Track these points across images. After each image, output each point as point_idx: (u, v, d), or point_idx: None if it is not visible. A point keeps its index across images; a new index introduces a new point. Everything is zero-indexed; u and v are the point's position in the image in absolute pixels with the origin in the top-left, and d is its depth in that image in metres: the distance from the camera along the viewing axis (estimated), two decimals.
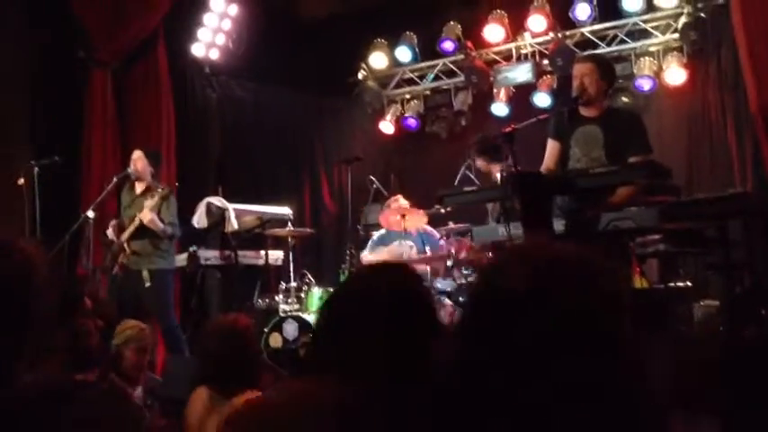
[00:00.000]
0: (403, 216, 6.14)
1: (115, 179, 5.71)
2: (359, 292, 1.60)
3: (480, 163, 5.62)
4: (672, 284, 5.14)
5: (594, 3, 7.06)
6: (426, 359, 1.52)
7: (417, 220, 6.25)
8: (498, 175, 5.27)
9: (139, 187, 5.64)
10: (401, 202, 6.43)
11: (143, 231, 5.43)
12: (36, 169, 5.20)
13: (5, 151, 5.96)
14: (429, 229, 6.44)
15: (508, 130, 3.55)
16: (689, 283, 5.27)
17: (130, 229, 5.45)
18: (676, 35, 6.83)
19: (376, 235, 6.67)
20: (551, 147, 4.22)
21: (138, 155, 5.65)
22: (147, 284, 5.40)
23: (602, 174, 3.40)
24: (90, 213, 5.43)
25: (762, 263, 4.30)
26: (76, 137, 6.53)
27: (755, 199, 4.32)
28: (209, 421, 2.60)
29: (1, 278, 1.45)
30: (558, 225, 3.57)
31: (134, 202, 5.59)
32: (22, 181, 5.13)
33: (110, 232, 5.54)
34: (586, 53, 6.80)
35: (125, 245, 5.45)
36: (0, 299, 1.44)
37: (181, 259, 6.09)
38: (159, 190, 5.47)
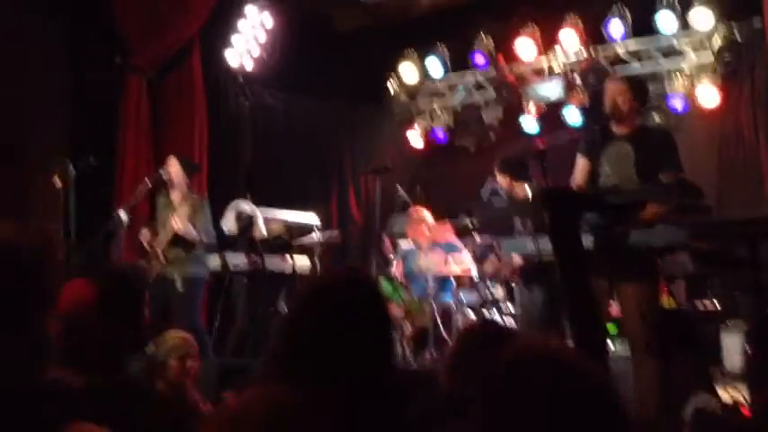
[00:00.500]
0: (427, 227, 6.19)
1: (147, 180, 5.79)
2: (315, 298, 1.62)
3: (501, 180, 5.58)
4: (700, 304, 5.11)
5: (628, 20, 7.05)
6: (383, 369, 1.56)
7: (442, 232, 6.29)
8: (520, 194, 5.28)
9: (175, 194, 5.71)
10: (423, 213, 6.46)
11: (177, 239, 5.51)
12: (72, 171, 5.29)
13: (43, 153, 6.10)
14: (454, 240, 6.45)
15: (540, 145, 3.57)
16: (717, 304, 5.23)
17: (164, 237, 5.53)
18: (710, 55, 6.79)
19: (403, 245, 6.69)
20: (581, 164, 4.22)
21: (172, 161, 5.72)
22: (180, 290, 5.46)
23: (633, 191, 3.40)
24: (122, 214, 5.50)
25: None
26: (112, 142, 6.66)
27: None
28: None
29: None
30: (587, 241, 3.57)
31: (168, 209, 5.66)
32: (58, 182, 5.23)
33: (142, 238, 5.61)
34: (620, 71, 6.80)
35: (159, 253, 5.53)
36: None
37: (215, 263, 6.15)
38: (194, 198, 5.55)
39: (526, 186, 5.18)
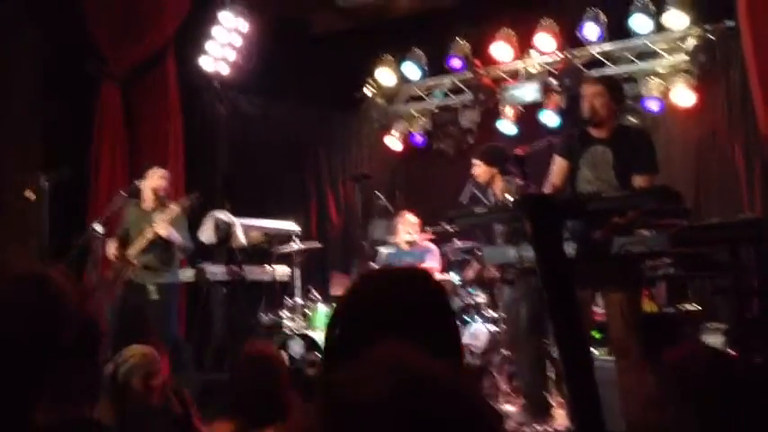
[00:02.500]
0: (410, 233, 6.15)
1: (122, 192, 5.71)
2: (375, 303, 1.38)
3: (480, 171, 5.33)
4: (680, 307, 5.13)
5: (603, 23, 7.07)
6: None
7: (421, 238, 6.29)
8: (499, 189, 5.24)
9: (150, 202, 5.63)
10: (410, 218, 6.42)
11: (151, 245, 5.44)
12: (45, 183, 5.19)
13: (15, 164, 5.97)
14: (431, 246, 6.43)
15: (520, 152, 3.54)
16: (697, 307, 5.26)
17: (142, 242, 5.44)
18: (685, 57, 6.84)
19: (385, 252, 6.65)
20: (558, 164, 4.20)
21: (163, 172, 5.66)
22: (155, 297, 5.40)
23: (615, 198, 3.38)
24: (97, 226, 5.42)
25: None
26: (86, 150, 6.54)
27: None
28: None
29: (29, 309, 1.44)
30: (569, 249, 3.55)
31: (144, 217, 5.58)
32: (31, 194, 5.12)
33: (111, 252, 5.51)
34: (596, 74, 6.82)
35: (133, 259, 5.45)
36: (26, 331, 1.44)
37: (188, 275, 6.08)
38: (182, 201, 5.47)
39: (505, 183, 5.12)
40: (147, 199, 5.63)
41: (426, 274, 1.47)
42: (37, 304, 1.46)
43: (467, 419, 0.88)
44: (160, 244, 5.45)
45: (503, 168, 5.15)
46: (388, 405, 0.86)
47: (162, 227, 5.35)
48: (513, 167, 4.74)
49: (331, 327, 1.43)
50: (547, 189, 4.16)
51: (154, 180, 5.59)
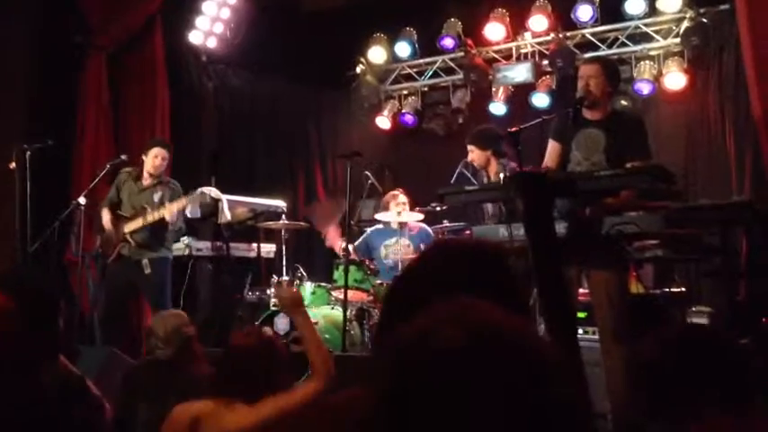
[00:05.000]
0: (399, 214, 6.07)
1: (108, 165, 5.65)
2: (434, 275, 1.34)
3: (475, 155, 5.32)
4: (667, 290, 5.14)
5: (596, 4, 7.02)
6: None
7: (414, 218, 6.21)
8: (494, 172, 5.20)
9: (147, 178, 5.57)
10: (401, 197, 6.36)
11: (149, 224, 5.44)
12: (28, 153, 5.12)
13: None
14: (426, 227, 6.39)
15: (513, 129, 3.50)
16: (683, 289, 5.27)
17: (141, 222, 5.41)
18: (677, 40, 6.80)
19: (371, 229, 6.61)
20: (552, 147, 4.17)
21: (161, 152, 5.55)
22: (147, 271, 5.40)
23: (608, 176, 3.34)
24: (81, 200, 5.38)
25: (761, 272, 4.27)
26: (70, 121, 6.44)
27: (758, 208, 4.29)
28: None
29: None
30: (559, 228, 3.52)
31: (141, 194, 5.53)
32: (13, 165, 5.05)
33: (106, 223, 5.47)
34: (592, 54, 6.78)
35: (128, 236, 5.41)
36: None
37: (179, 247, 6.06)
38: (198, 191, 5.49)
39: (500, 166, 5.09)
40: (146, 176, 5.57)
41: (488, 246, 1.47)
42: None
43: (535, 365, 0.88)
44: (157, 223, 5.44)
45: (497, 150, 5.12)
46: (461, 352, 0.87)
47: (170, 214, 5.33)
48: (507, 146, 4.71)
49: (395, 283, 1.46)
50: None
51: (154, 159, 5.53)
